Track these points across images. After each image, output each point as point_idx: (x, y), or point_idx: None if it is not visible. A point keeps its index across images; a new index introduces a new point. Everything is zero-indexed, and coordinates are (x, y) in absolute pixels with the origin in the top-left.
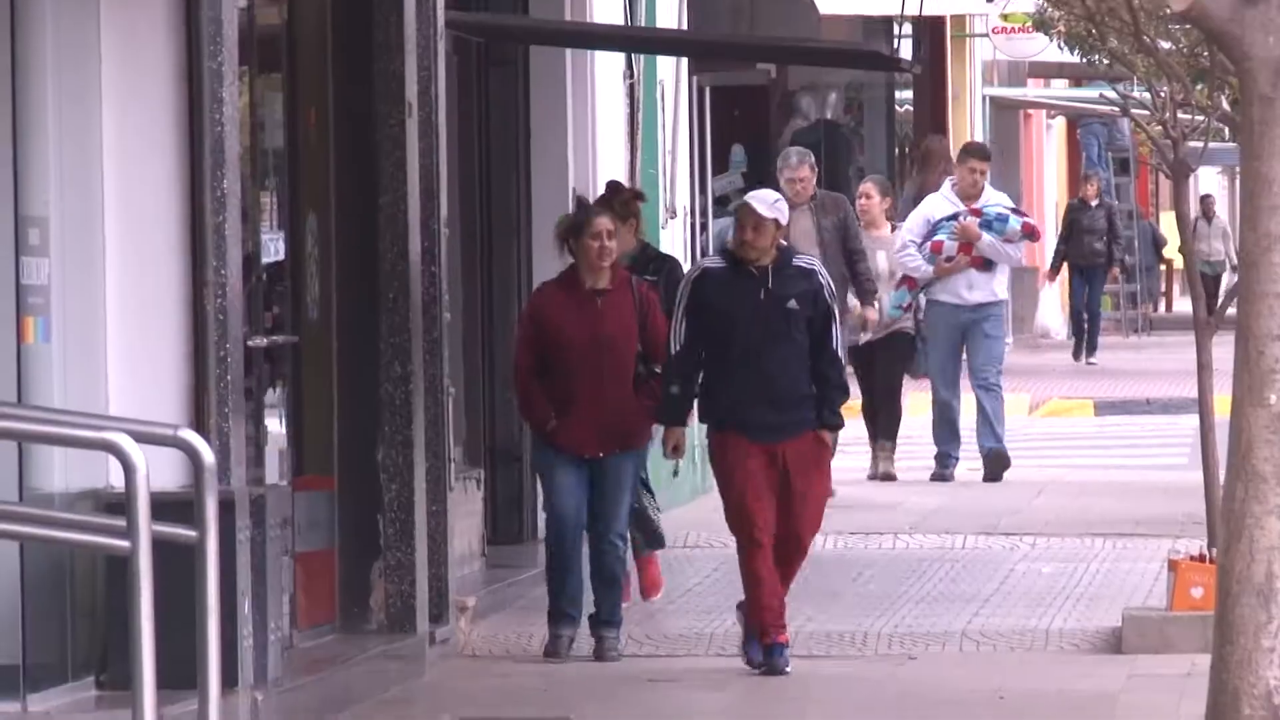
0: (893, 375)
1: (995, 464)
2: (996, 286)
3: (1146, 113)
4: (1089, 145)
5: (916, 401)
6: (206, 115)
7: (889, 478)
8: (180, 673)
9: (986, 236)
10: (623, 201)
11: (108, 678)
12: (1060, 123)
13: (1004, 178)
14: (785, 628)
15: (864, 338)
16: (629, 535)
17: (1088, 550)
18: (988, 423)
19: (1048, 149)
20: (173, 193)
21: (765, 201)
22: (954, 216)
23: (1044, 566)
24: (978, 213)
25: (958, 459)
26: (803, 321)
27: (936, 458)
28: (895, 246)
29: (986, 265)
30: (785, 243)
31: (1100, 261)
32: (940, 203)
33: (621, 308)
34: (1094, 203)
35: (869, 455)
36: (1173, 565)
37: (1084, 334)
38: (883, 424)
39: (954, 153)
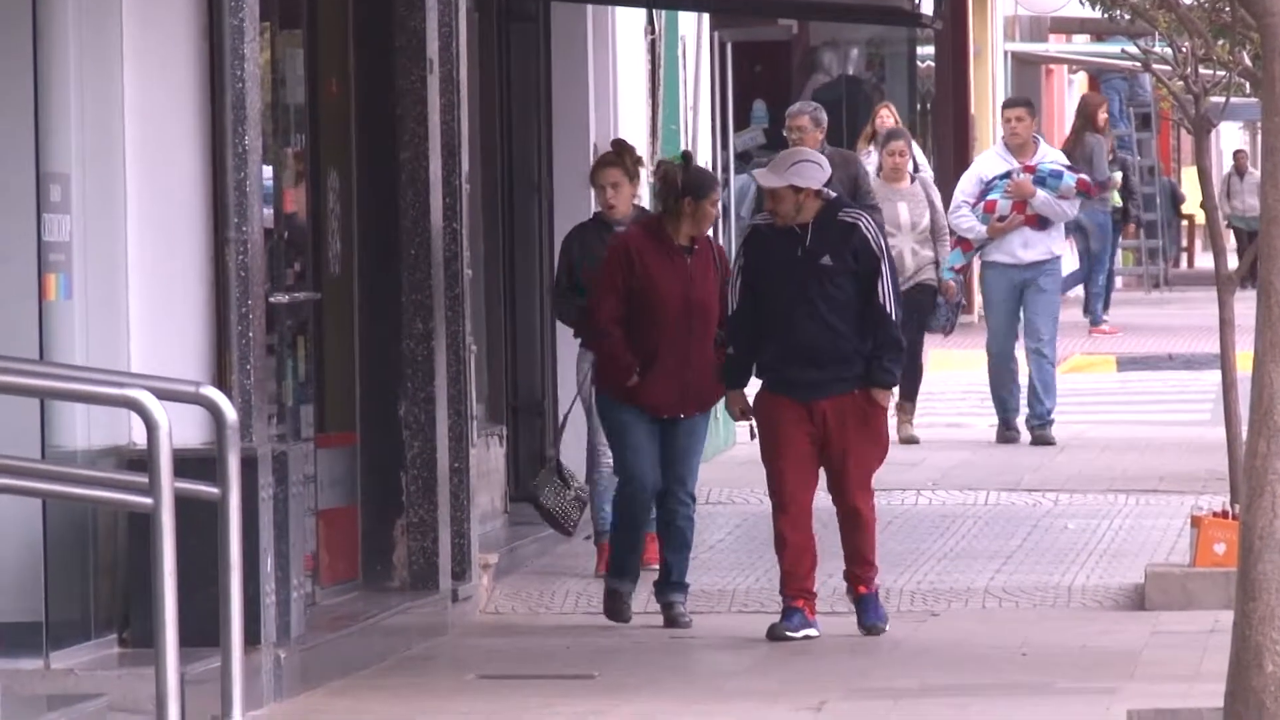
0: (913, 331)
1: (1039, 441)
2: (1052, 244)
3: (1168, 68)
4: (1110, 101)
5: (937, 358)
6: (228, 71)
7: (911, 441)
8: (203, 630)
9: (1041, 193)
10: (634, 159)
11: (130, 635)
12: (1081, 78)
13: None
14: (805, 593)
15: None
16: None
17: (1110, 506)
18: (1038, 397)
19: (1069, 105)
20: (194, 149)
21: (777, 168)
22: (1007, 174)
23: (1067, 523)
24: (1031, 169)
25: (1019, 430)
26: (841, 277)
27: (1000, 424)
28: (917, 201)
29: (1041, 223)
30: (834, 194)
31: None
32: (992, 160)
33: (707, 268)
34: None
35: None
36: (1195, 521)
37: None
38: (903, 384)
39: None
